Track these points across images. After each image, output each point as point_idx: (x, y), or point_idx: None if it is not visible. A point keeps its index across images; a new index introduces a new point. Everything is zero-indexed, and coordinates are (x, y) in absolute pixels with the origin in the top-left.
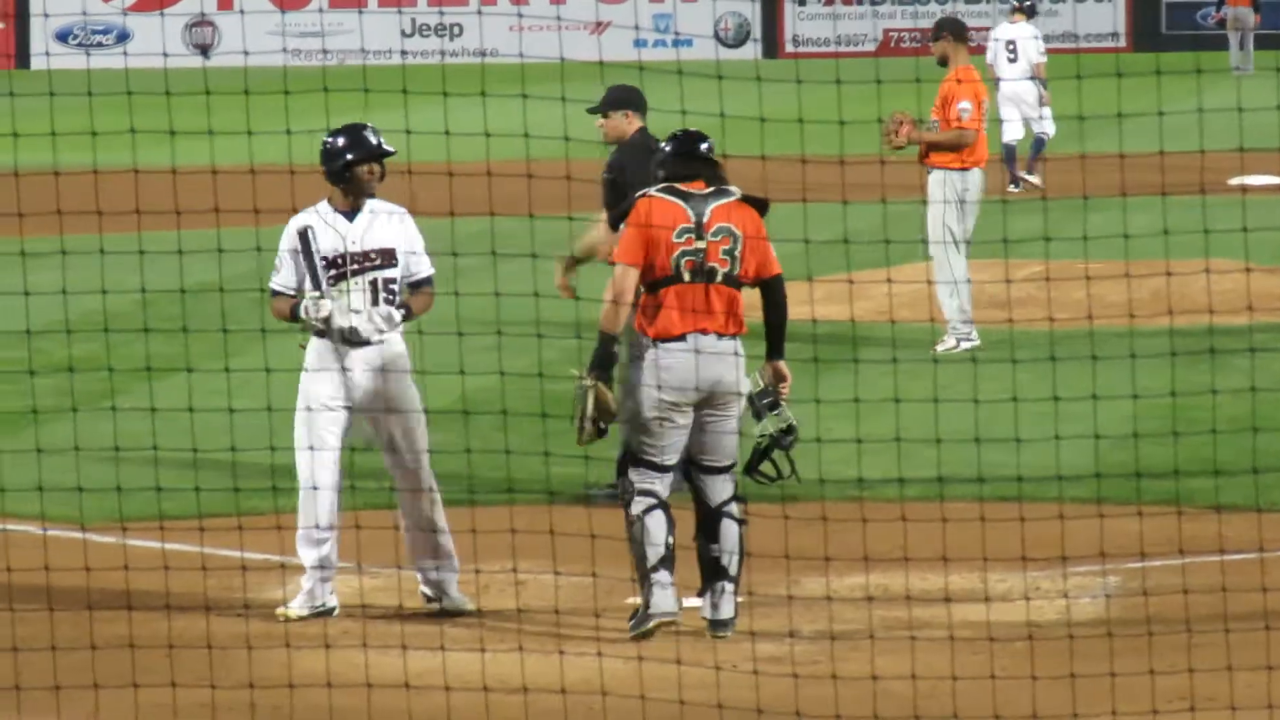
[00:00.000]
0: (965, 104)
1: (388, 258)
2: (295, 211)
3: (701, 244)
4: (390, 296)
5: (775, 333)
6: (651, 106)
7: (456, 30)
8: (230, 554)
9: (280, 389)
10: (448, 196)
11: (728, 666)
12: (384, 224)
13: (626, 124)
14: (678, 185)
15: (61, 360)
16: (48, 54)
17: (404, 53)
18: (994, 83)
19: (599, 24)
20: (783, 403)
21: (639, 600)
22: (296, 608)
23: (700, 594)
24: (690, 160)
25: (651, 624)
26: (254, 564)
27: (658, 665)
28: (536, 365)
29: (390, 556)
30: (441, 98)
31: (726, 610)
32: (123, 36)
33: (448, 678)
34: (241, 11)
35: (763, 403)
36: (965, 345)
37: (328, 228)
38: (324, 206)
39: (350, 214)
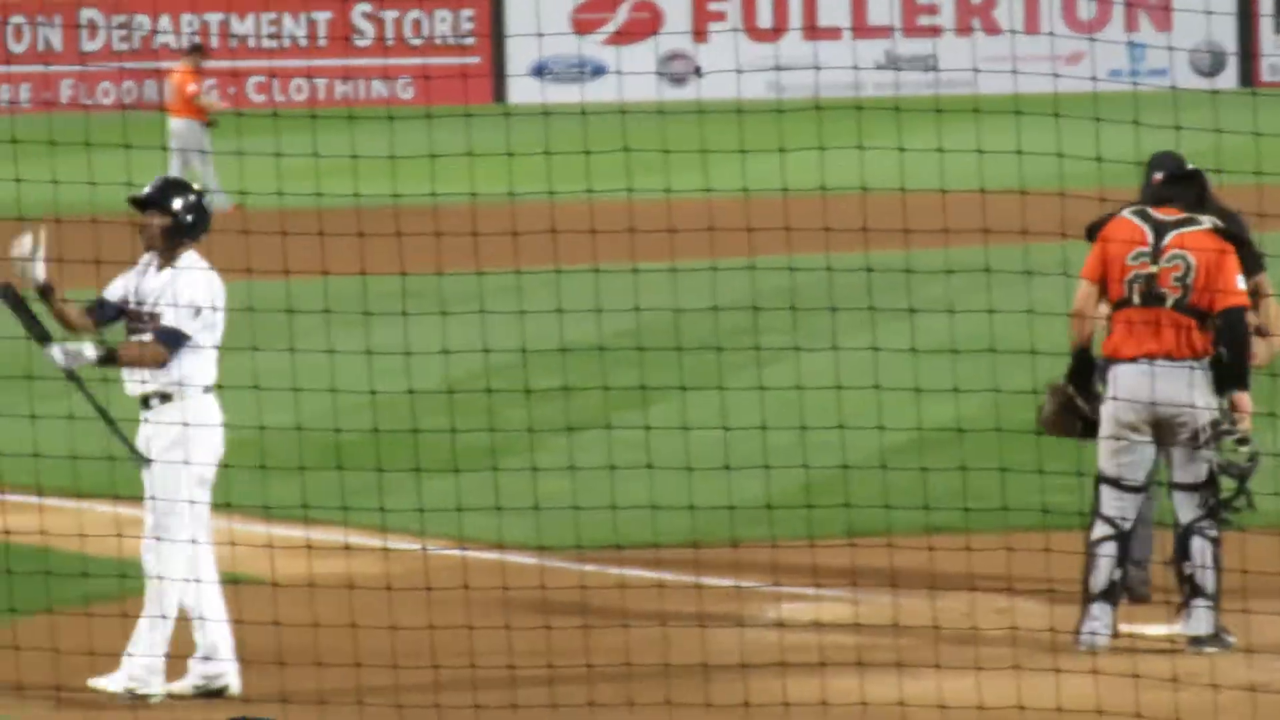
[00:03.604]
0: None
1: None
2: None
3: (1154, 269)
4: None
5: (1226, 365)
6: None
7: (930, 62)
8: (723, 583)
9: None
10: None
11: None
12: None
13: None
14: (1149, 209)
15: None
16: (531, 83)
17: (859, 84)
18: None
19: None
20: (1239, 431)
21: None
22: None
23: (1179, 610)
24: (1171, 185)
25: (1081, 649)
26: (747, 590)
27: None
28: (1031, 384)
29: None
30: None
31: (1201, 626)
32: (599, 70)
33: (944, 697)
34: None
35: (1220, 430)
36: None
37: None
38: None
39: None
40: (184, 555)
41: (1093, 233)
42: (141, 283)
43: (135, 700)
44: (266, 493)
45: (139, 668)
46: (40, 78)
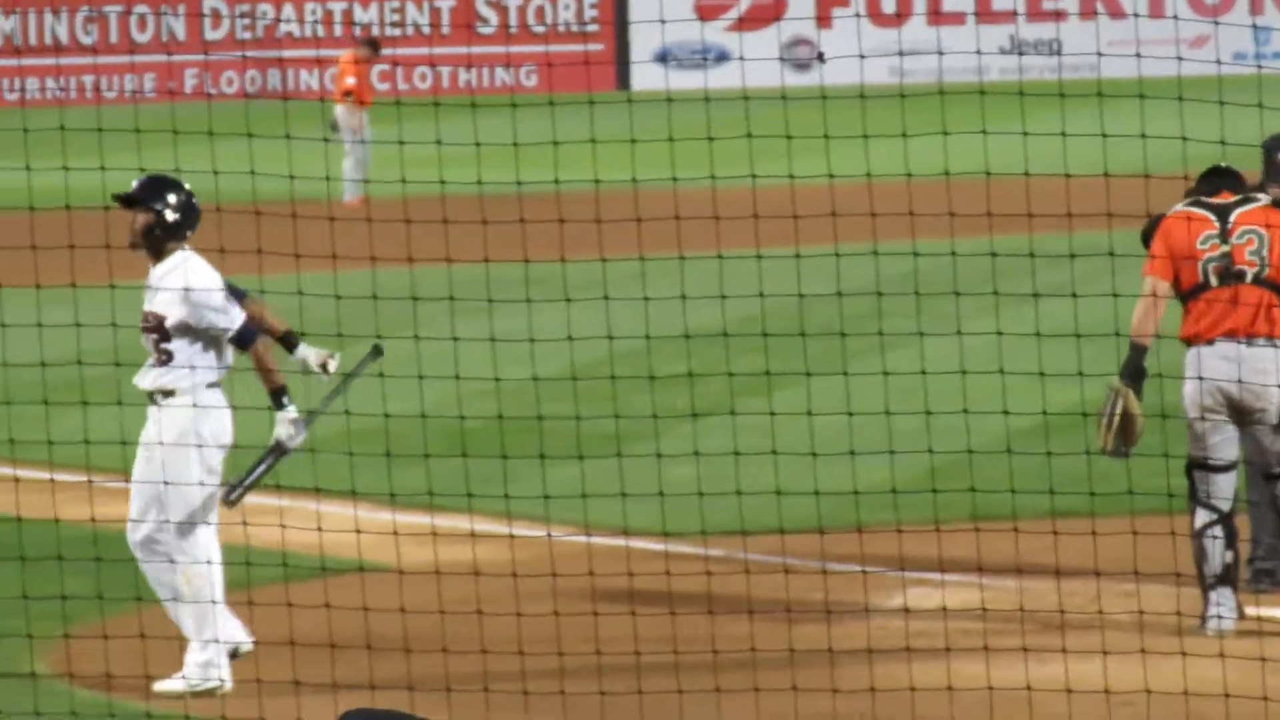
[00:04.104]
0: None
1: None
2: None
3: (1226, 247)
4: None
5: None
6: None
7: (1054, 46)
8: (849, 569)
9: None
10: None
11: None
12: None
13: None
14: (1203, 199)
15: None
16: (655, 70)
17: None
18: None
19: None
20: None
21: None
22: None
23: None
24: (1213, 178)
25: (1209, 634)
26: (873, 574)
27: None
28: (1155, 367)
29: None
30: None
31: None
32: (722, 56)
33: (1070, 681)
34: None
35: None
36: None
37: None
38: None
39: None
40: (206, 539)
41: (1147, 238)
42: (154, 295)
43: (203, 695)
44: (392, 480)
45: (193, 665)
46: (164, 67)
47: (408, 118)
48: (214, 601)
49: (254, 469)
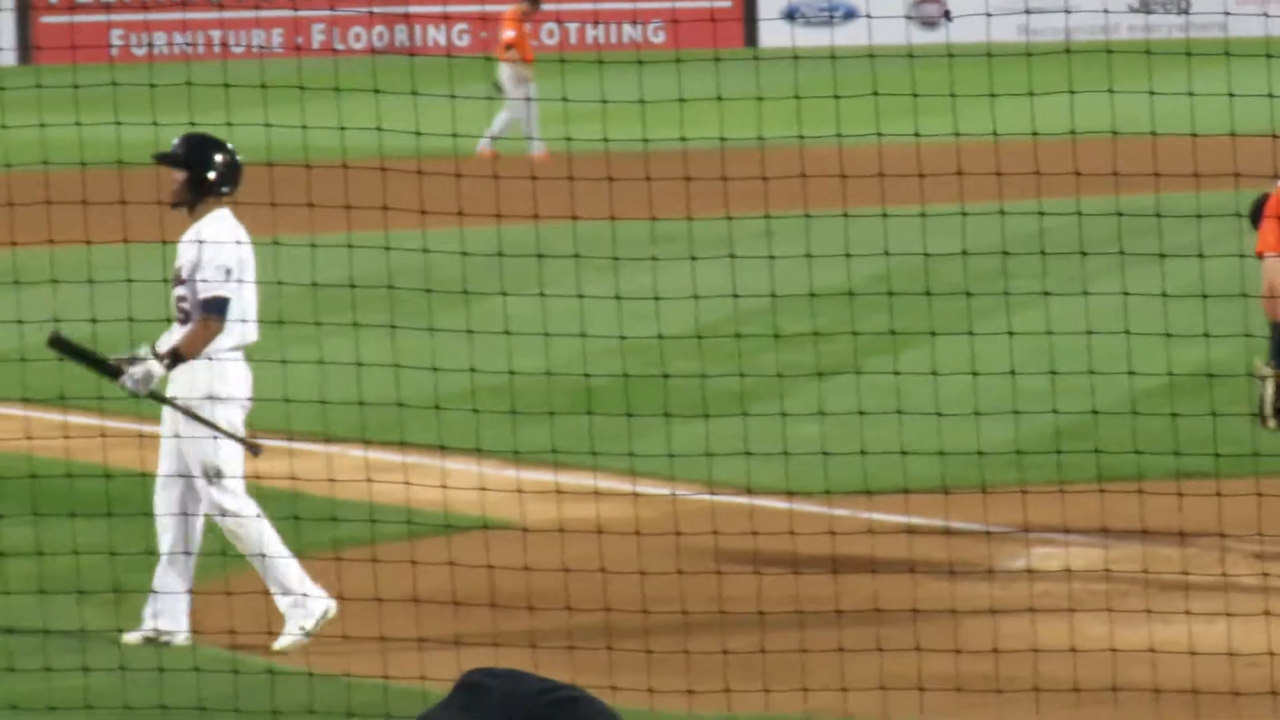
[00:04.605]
0: None
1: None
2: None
3: None
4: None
5: None
6: None
7: (1182, 5)
8: (973, 528)
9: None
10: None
11: None
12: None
13: None
14: None
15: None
16: (781, 28)
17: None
18: None
19: None
20: None
21: None
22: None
23: None
24: None
25: None
26: (997, 535)
27: None
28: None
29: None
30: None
31: None
32: (849, 14)
33: (1193, 643)
34: None
35: None
36: None
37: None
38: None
39: None
40: (236, 494)
41: (1256, 216)
42: (179, 248)
43: (308, 639)
44: (517, 437)
45: (292, 613)
46: (291, 22)
47: (536, 75)
48: (267, 555)
49: (94, 359)
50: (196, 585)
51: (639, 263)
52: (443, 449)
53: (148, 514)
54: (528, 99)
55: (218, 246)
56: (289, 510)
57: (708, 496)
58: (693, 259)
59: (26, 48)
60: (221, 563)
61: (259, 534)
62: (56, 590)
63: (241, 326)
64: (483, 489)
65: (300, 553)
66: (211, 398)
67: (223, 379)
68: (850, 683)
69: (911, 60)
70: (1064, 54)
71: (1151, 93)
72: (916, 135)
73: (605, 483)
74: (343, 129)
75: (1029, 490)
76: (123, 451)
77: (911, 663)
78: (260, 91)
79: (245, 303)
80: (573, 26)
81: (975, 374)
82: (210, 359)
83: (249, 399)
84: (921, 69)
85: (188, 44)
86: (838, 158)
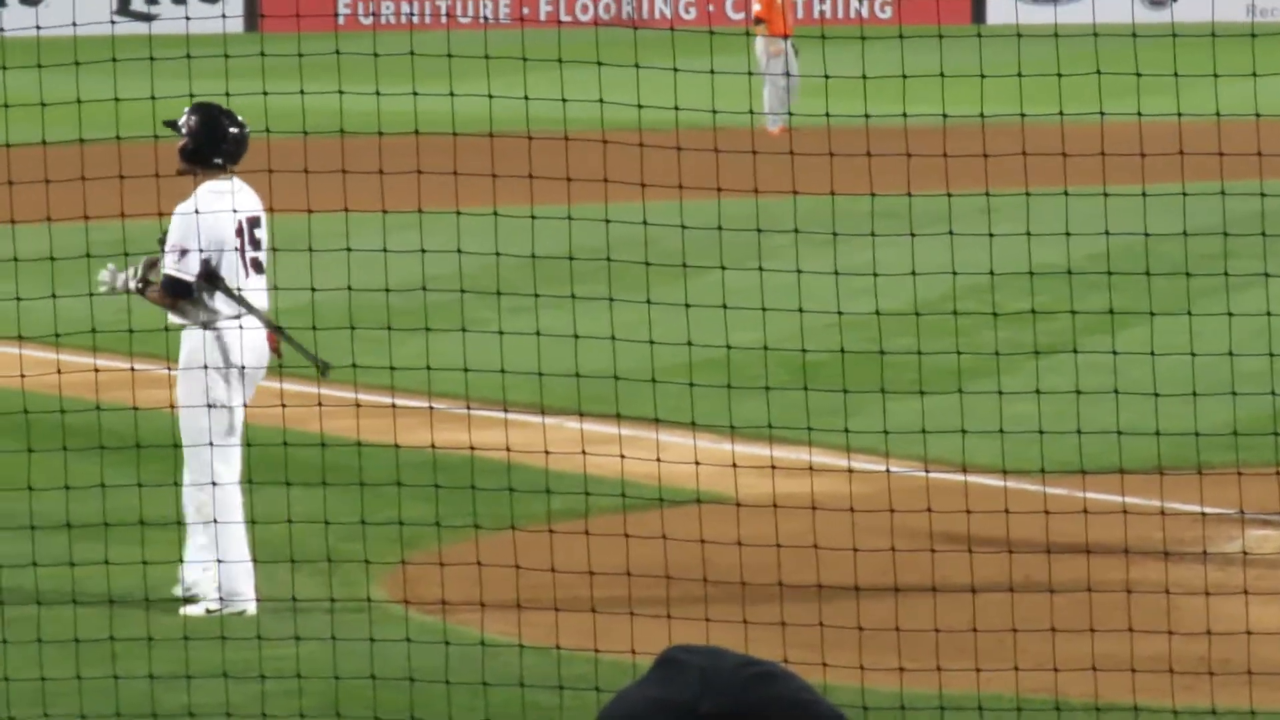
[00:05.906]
0: None
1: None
2: None
3: None
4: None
5: None
6: None
7: None
8: (1188, 509)
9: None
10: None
11: None
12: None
13: None
14: None
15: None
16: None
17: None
18: None
19: None
20: None
21: None
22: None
23: None
24: None
25: None
26: (1212, 516)
27: None
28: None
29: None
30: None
31: None
32: None
33: None
34: None
35: None
36: None
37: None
38: None
39: None
40: (219, 466)
41: None
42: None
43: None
44: (732, 411)
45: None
46: None
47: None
48: (230, 522)
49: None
50: (410, 556)
51: (858, 238)
52: (658, 422)
53: (357, 483)
54: (786, 74)
55: (178, 228)
56: (502, 482)
57: (922, 474)
58: (912, 235)
59: (254, 15)
60: (435, 533)
61: (225, 505)
62: (268, 559)
63: (241, 296)
64: (697, 463)
65: (513, 525)
66: (207, 367)
67: (215, 345)
68: (1062, 663)
69: (1135, 39)
70: None
71: None
72: (1138, 114)
73: (820, 458)
74: (564, 100)
75: (1245, 472)
76: (339, 421)
77: (1124, 644)
78: (483, 63)
79: (237, 272)
80: (798, 0)
81: (1193, 355)
82: (206, 328)
83: (255, 367)
84: (1145, 48)
85: (413, 14)
86: (1059, 135)
